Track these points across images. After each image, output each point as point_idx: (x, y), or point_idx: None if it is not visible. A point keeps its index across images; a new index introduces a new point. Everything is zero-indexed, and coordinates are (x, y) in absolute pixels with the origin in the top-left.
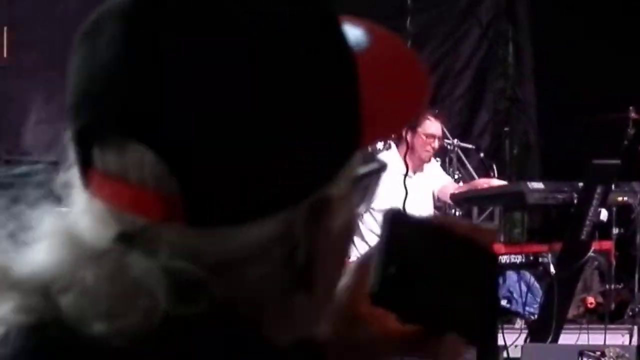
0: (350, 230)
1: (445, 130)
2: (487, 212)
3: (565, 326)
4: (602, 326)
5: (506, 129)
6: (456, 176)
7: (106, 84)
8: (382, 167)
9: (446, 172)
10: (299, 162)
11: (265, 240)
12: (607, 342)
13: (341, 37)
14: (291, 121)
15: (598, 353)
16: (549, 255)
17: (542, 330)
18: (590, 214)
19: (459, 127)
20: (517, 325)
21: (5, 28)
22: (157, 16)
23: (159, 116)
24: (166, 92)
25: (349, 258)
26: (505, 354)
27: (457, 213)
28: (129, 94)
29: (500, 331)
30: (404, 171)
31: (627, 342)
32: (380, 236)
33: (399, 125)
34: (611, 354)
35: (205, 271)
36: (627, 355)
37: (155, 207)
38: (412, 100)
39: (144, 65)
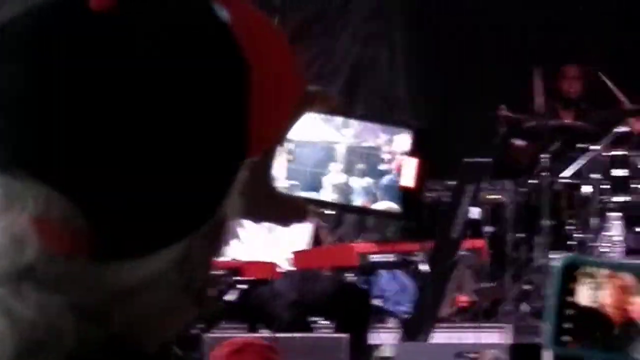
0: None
1: None
2: None
3: (439, 325)
4: (477, 325)
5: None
6: None
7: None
8: None
9: None
10: (197, 190)
11: (165, 267)
12: (482, 341)
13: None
14: (186, 152)
15: (474, 355)
16: (421, 254)
17: (415, 329)
18: (461, 212)
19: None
20: (390, 324)
21: None
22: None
23: (60, 154)
24: (61, 130)
25: None
26: (378, 353)
27: None
28: (27, 131)
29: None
30: None
31: (501, 341)
32: None
33: (282, 134)
34: (489, 357)
35: (106, 300)
36: (502, 357)
37: (60, 241)
38: (291, 106)
39: (43, 104)
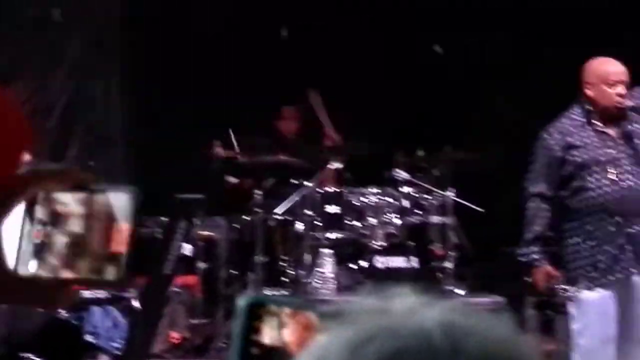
0: None
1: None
2: None
3: None
4: None
5: (91, 163)
6: None
7: None
8: None
9: None
10: None
11: None
12: None
13: None
14: None
15: None
16: (134, 291)
17: None
18: (173, 248)
19: (50, 161)
20: None
21: None
22: None
23: None
24: None
25: None
26: None
27: None
28: None
29: None
30: None
31: None
32: None
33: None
34: None
35: None
36: None
37: None
38: (17, 145)
39: None
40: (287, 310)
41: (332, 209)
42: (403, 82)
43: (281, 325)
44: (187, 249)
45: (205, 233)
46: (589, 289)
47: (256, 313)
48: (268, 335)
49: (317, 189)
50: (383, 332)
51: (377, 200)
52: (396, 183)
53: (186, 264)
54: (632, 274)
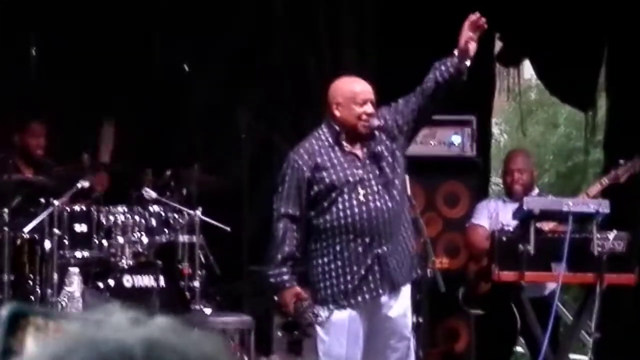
0: None
1: None
2: None
3: None
4: None
5: None
6: None
7: None
8: None
9: None
10: None
11: None
12: None
13: None
14: None
15: None
16: None
17: None
18: None
19: None
20: None
21: None
22: None
23: None
24: None
25: None
26: None
27: None
28: None
29: None
30: None
31: None
32: None
33: None
34: None
35: None
36: None
37: None
38: None
39: None
40: (48, 321)
41: (79, 227)
42: (147, 100)
43: (43, 336)
44: None
45: None
46: (337, 309)
47: (19, 323)
48: (31, 344)
49: (65, 207)
50: (86, 346)
51: (124, 219)
52: (144, 202)
53: None
54: (379, 296)
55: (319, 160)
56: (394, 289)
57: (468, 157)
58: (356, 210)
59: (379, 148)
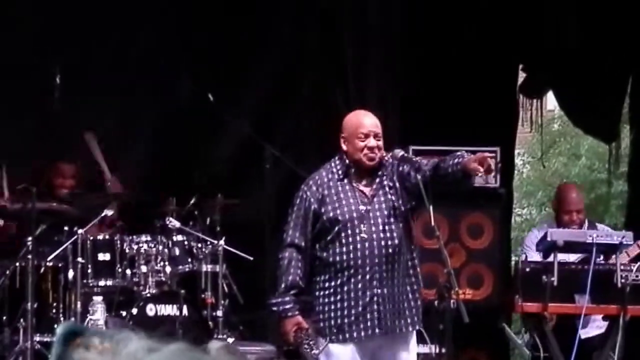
0: None
1: None
2: None
3: None
4: None
5: None
6: None
7: None
8: None
9: None
10: None
11: None
12: None
13: None
14: None
15: None
16: None
17: None
18: None
19: None
20: None
21: None
22: None
23: None
24: None
25: None
26: None
27: None
28: None
29: None
30: None
31: None
32: None
33: None
34: None
35: None
36: None
37: None
38: None
39: None
40: (98, 341)
41: (103, 256)
42: (172, 127)
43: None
44: None
45: None
46: (336, 342)
47: (73, 340)
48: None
49: (89, 236)
50: None
51: (148, 248)
52: (168, 231)
53: None
54: (374, 335)
55: (326, 192)
56: (392, 332)
57: (491, 188)
58: (358, 246)
59: (385, 182)
